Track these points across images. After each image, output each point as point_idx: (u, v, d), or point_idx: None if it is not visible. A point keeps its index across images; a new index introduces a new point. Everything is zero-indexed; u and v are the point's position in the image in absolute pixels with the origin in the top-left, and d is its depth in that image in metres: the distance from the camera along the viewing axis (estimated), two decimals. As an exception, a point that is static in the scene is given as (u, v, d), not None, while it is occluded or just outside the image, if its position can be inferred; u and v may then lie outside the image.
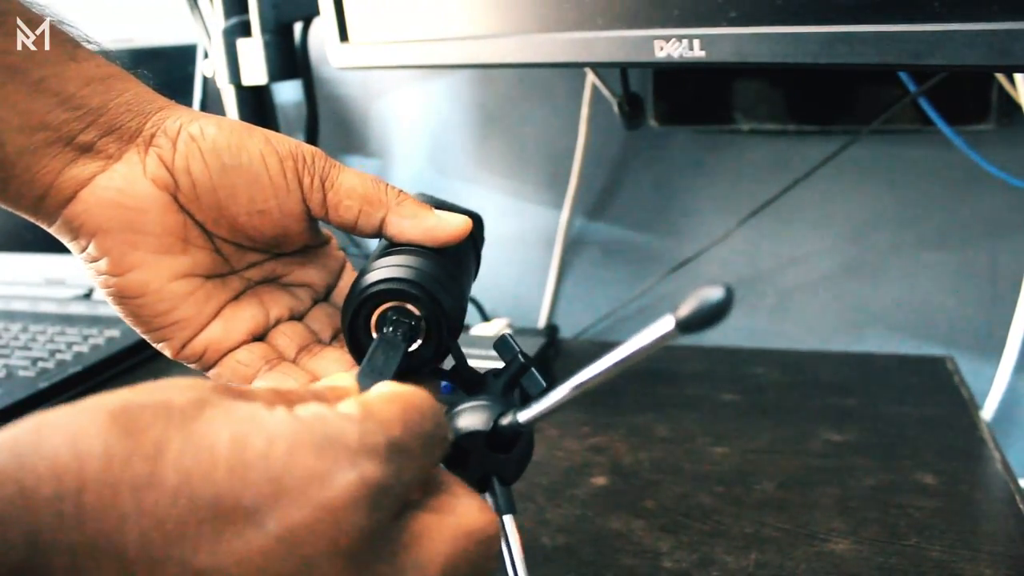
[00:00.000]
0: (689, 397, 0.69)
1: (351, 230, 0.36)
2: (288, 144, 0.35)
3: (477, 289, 0.92)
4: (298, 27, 0.82)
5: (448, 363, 0.38)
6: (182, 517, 0.18)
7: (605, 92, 0.81)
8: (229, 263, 0.37)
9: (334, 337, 0.40)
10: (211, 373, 0.37)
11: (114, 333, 0.82)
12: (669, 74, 0.78)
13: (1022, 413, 0.75)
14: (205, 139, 0.34)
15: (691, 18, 0.50)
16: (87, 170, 0.33)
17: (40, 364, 0.76)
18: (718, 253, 0.82)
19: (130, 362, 0.80)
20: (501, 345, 0.37)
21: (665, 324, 0.25)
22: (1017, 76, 0.65)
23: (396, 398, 0.24)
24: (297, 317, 0.40)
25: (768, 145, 0.80)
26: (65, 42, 0.33)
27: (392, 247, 0.37)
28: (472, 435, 0.32)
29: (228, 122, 0.35)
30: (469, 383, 0.37)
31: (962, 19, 0.41)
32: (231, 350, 0.37)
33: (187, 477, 0.19)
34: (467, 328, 0.80)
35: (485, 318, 0.91)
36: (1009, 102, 0.68)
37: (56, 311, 0.91)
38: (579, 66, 0.73)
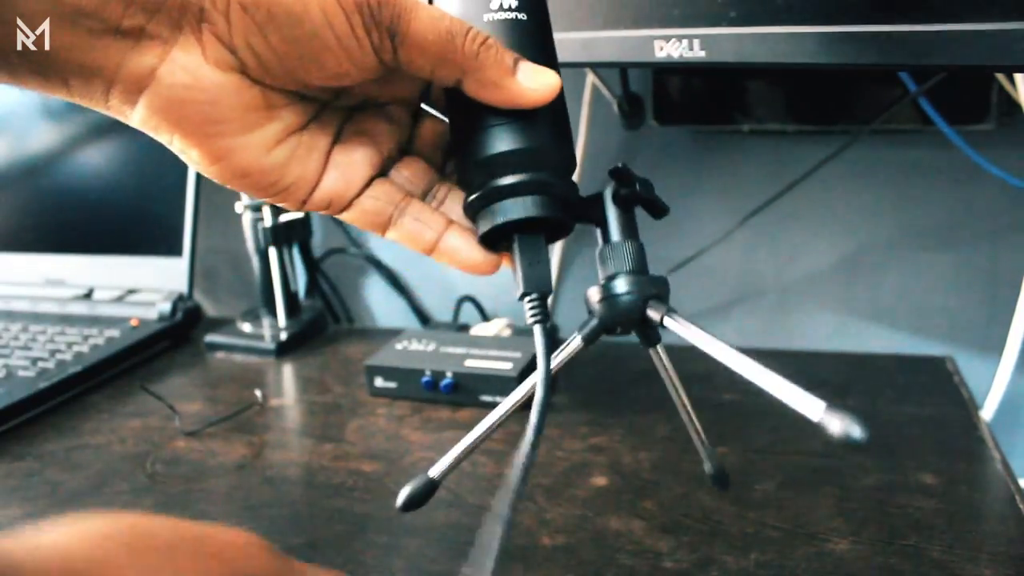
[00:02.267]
0: (689, 397, 0.69)
1: (430, 82, 0.35)
2: None
3: (477, 288, 0.93)
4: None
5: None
6: None
7: (605, 92, 0.81)
8: (318, 100, 0.36)
9: (446, 156, 0.39)
10: (345, 218, 0.37)
11: (114, 333, 0.82)
12: (669, 74, 0.78)
13: (1022, 413, 0.75)
14: (259, 9, 0.30)
15: (691, 18, 0.50)
16: (145, 61, 0.30)
17: (40, 364, 0.76)
18: (718, 253, 0.82)
19: (130, 362, 0.80)
20: (617, 172, 0.38)
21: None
22: (1017, 76, 0.65)
23: None
24: (405, 146, 0.38)
25: (768, 145, 0.80)
26: None
27: (492, 119, 0.35)
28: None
29: None
30: (597, 220, 0.40)
31: (962, 19, 0.41)
32: (356, 196, 0.36)
33: None
34: (467, 328, 0.80)
35: (485, 318, 0.91)
36: (1009, 102, 0.68)
37: (56, 311, 0.91)
38: (579, 66, 0.72)
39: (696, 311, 0.86)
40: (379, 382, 0.69)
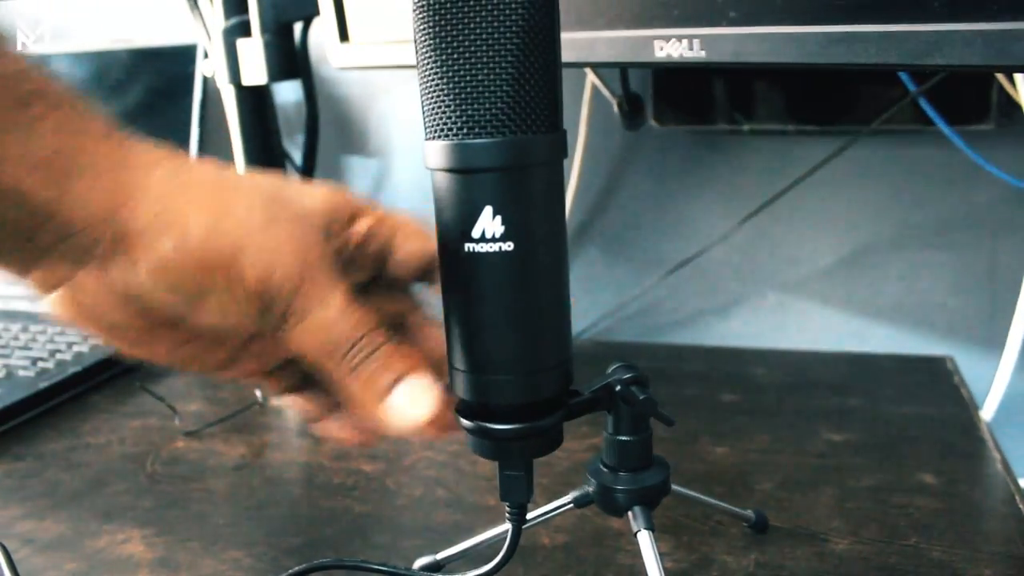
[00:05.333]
0: (689, 397, 0.69)
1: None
2: (263, 268, 0.30)
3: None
4: (298, 27, 0.82)
5: None
6: None
7: (605, 92, 0.81)
8: None
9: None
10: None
11: (114, 333, 0.82)
12: (669, 74, 0.78)
13: (1022, 413, 0.75)
14: (168, 279, 0.29)
15: (691, 18, 0.50)
16: (58, 272, 0.30)
17: (40, 364, 0.76)
18: (718, 253, 0.82)
19: (130, 362, 0.80)
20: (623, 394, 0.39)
21: None
22: (1017, 76, 0.65)
23: None
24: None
25: (768, 145, 0.80)
26: (19, 102, 0.27)
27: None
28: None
29: (193, 246, 0.29)
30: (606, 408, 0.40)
31: (962, 19, 0.41)
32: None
33: None
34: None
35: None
36: (1009, 102, 0.68)
37: (56, 311, 0.91)
38: (579, 66, 0.73)
39: (696, 311, 0.86)
40: (379, 382, 0.69)
